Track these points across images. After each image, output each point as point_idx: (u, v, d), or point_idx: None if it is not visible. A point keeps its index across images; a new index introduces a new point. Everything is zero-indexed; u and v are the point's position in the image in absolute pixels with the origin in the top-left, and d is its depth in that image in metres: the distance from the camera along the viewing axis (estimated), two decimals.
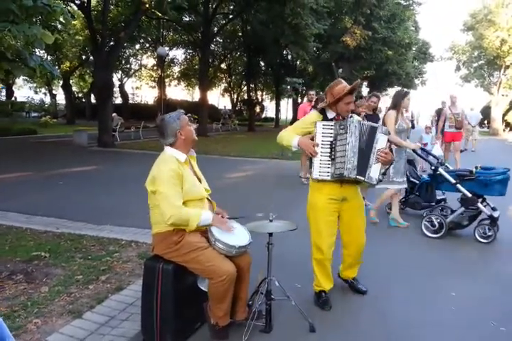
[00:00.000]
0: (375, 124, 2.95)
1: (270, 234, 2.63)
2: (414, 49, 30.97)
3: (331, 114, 3.04)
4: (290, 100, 32.36)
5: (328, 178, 2.89)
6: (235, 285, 2.48)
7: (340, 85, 2.97)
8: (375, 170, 2.87)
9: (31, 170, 8.79)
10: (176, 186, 2.40)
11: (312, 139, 2.92)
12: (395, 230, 5.13)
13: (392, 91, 42.94)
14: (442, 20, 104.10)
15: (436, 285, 3.47)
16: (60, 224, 4.91)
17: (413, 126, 12.21)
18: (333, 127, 2.88)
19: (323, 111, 3.07)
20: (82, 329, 2.63)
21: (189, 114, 2.65)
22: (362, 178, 2.84)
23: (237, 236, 2.53)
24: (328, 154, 2.87)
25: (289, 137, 2.98)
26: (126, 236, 4.46)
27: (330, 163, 2.87)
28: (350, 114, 3.05)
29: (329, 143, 2.87)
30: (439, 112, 11.42)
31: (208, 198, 2.69)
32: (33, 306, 2.87)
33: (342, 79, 3.11)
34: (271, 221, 2.65)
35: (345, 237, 3.15)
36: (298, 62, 29.23)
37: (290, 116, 28.55)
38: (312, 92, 8.98)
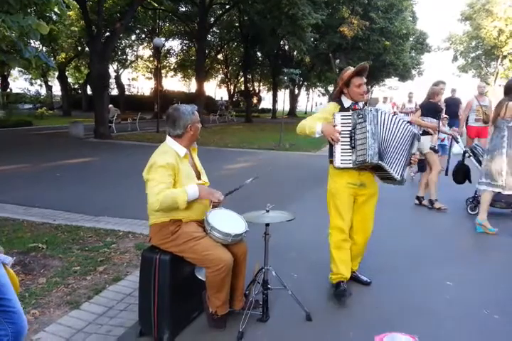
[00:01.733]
0: (405, 118, 3.04)
1: (267, 225, 2.64)
2: (411, 39, 30.79)
3: (347, 103, 3.09)
4: (287, 91, 32.23)
5: (350, 166, 2.94)
6: (232, 275, 2.49)
7: (348, 71, 3.08)
8: (406, 171, 3.03)
9: (28, 162, 8.76)
10: (165, 176, 2.35)
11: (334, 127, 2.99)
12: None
13: (389, 81, 42.88)
14: (440, 10, 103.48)
15: (431, 274, 3.50)
16: (57, 215, 4.92)
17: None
18: (351, 117, 2.93)
19: (339, 101, 3.12)
20: (80, 320, 2.65)
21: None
22: (384, 163, 2.88)
23: (234, 224, 2.53)
24: (349, 143, 2.93)
25: (312, 124, 3.00)
26: (124, 228, 4.47)
27: (351, 151, 2.92)
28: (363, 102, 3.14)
29: (348, 132, 2.93)
30: (451, 102, 10.59)
31: None
32: (30, 297, 2.88)
33: (351, 67, 3.20)
34: (268, 211, 2.66)
35: (355, 222, 3.18)
36: (295, 53, 29.05)
37: (287, 107, 28.46)
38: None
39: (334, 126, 2.96)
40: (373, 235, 3.29)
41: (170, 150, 2.48)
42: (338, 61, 25.38)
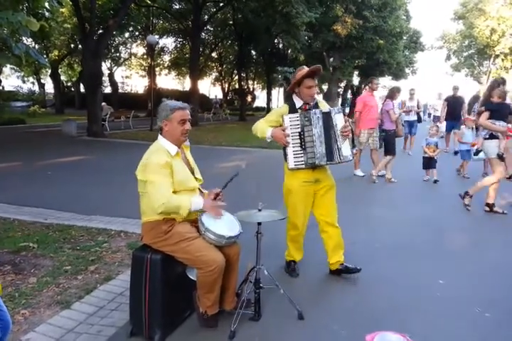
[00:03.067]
0: (326, 110, 3.11)
1: (259, 223, 2.63)
2: (405, 38, 30.84)
3: (298, 103, 3.21)
4: (281, 89, 32.23)
5: (303, 167, 3.12)
6: (224, 275, 2.48)
7: (301, 70, 3.17)
8: (346, 148, 3.10)
9: (20, 161, 8.69)
10: (165, 176, 2.37)
11: (284, 131, 3.13)
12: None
13: (383, 80, 42.96)
14: (433, 9, 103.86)
15: (424, 272, 3.52)
16: (48, 214, 4.88)
17: (419, 120, 11.31)
18: (299, 118, 3.07)
19: (291, 101, 3.25)
20: (70, 320, 2.63)
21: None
22: (333, 162, 3.09)
23: (227, 226, 2.52)
24: (299, 144, 3.10)
25: (263, 129, 3.19)
26: (116, 227, 4.44)
27: (302, 152, 3.10)
28: (315, 101, 3.22)
29: (298, 134, 3.09)
30: (453, 101, 10.22)
31: (199, 188, 2.67)
32: (20, 297, 2.85)
33: (305, 66, 3.29)
34: (260, 210, 2.65)
35: (321, 215, 3.31)
36: (289, 51, 29.00)
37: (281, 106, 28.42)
38: (376, 81, 8.14)
39: (284, 128, 3.10)
40: (379, 232, 3.30)
41: (161, 149, 2.47)
42: (331, 59, 25.42)
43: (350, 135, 3.14)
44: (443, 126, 11.56)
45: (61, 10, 22.79)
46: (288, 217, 3.28)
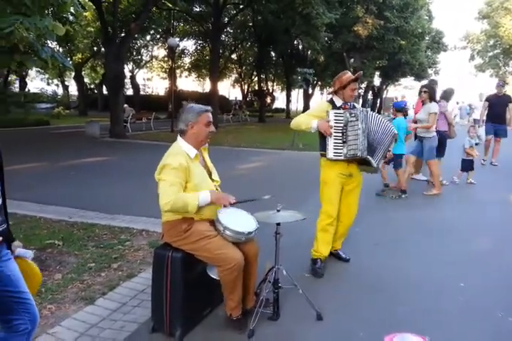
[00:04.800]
0: (379, 115, 3.50)
1: (278, 224, 2.66)
2: (427, 38, 30.42)
3: (338, 102, 3.50)
4: (301, 91, 32.16)
5: (342, 158, 3.36)
6: (243, 275, 2.51)
7: (347, 74, 3.49)
8: (380, 157, 3.46)
9: (45, 161, 8.94)
10: (176, 177, 2.40)
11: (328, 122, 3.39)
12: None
13: (405, 81, 42.41)
14: (456, 8, 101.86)
15: (445, 275, 3.48)
16: (72, 213, 5.01)
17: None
18: (343, 115, 3.32)
19: (331, 101, 3.54)
20: (94, 315, 2.71)
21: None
22: (370, 158, 3.34)
23: (244, 222, 2.55)
24: (340, 138, 3.34)
25: (308, 120, 3.45)
26: (137, 226, 4.54)
27: (342, 145, 3.33)
28: (352, 103, 3.53)
29: (341, 128, 3.33)
30: (496, 101, 8.83)
31: (217, 189, 2.71)
32: (46, 293, 2.95)
33: (348, 71, 3.64)
34: (278, 211, 2.68)
35: (343, 207, 3.61)
36: (309, 53, 28.93)
37: (301, 107, 28.35)
38: (434, 82, 7.68)
39: (328, 121, 3.34)
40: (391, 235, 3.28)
41: (181, 152, 2.50)
42: (352, 60, 25.24)
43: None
44: (481, 130, 10.05)
45: (84, 14, 23.34)
46: (322, 208, 3.55)
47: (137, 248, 3.88)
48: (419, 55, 28.16)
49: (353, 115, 3.28)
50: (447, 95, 7.22)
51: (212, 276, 2.55)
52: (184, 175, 2.43)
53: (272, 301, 2.71)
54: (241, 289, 2.54)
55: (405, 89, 45.99)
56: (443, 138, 6.97)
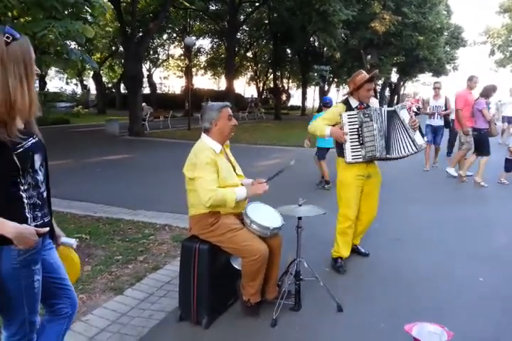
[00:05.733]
0: (390, 108, 3.34)
1: (299, 218, 2.75)
2: (445, 34, 29.97)
3: (354, 103, 3.44)
4: (317, 88, 32.04)
5: (361, 160, 3.32)
6: (267, 266, 2.61)
7: (361, 75, 3.42)
8: (418, 138, 3.31)
9: (68, 158, 9.19)
10: (211, 173, 2.52)
11: (341, 129, 3.34)
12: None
13: (423, 77, 41.86)
14: (476, 3, 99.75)
15: (464, 269, 3.51)
16: (97, 208, 5.19)
17: (447, 124, 8.44)
18: (357, 116, 3.28)
19: (347, 101, 3.48)
20: (123, 305, 2.84)
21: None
22: (390, 156, 3.30)
23: (271, 218, 2.66)
24: (357, 140, 3.30)
25: (322, 127, 3.43)
26: (160, 221, 4.67)
27: (360, 147, 3.30)
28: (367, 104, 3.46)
29: (356, 130, 3.29)
30: None
31: (242, 184, 2.81)
32: (77, 283, 3.08)
33: (362, 70, 3.55)
34: (300, 205, 2.76)
35: (362, 208, 3.58)
36: (325, 49, 28.81)
37: (317, 104, 28.29)
38: (476, 79, 7.24)
39: (342, 126, 3.31)
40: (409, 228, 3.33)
41: (207, 147, 2.61)
42: (369, 57, 25.04)
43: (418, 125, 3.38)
44: None
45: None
46: (340, 210, 3.53)
47: (161, 242, 4.02)
48: (438, 50, 27.76)
49: (367, 115, 3.24)
50: (487, 92, 6.96)
51: (236, 266, 2.66)
52: (216, 169, 2.54)
53: (294, 293, 2.79)
54: (262, 278, 2.64)
55: (423, 86, 45.42)
56: (483, 136, 6.86)
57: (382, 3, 22.47)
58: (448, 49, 33.01)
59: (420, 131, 3.34)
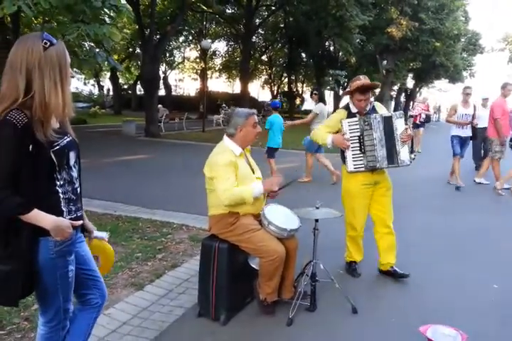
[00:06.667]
0: (387, 114, 3.20)
1: (316, 220, 2.81)
2: (463, 40, 29.67)
3: (354, 109, 3.32)
4: (332, 92, 32.01)
5: (363, 169, 3.23)
6: (283, 267, 2.68)
7: (355, 82, 3.27)
8: (404, 153, 3.18)
9: (86, 158, 9.33)
10: (229, 173, 2.60)
11: (343, 136, 3.24)
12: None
13: (439, 83, 41.44)
14: (495, 9, 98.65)
15: (479, 276, 3.54)
16: (116, 207, 5.31)
17: (475, 136, 7.28)
18: (358, 123, 3.19)
19: (347, 107, 3.38)
20: (144, 300, 2.94)
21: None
22: (393, 166, 3.18)
23: (288, 220, 2.73)
24: (358, 148, 3.21)
25: (323, 136, 3.34)
26: (177, 220, 4.77)
27: (362, 156, 3.20)
28: (372, 105, 3.33)
29: (357, 137, 3.20)
30: None
31: None
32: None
33: (362, 76, 3.34)
34: (317, 208, 2.83)
35: (378, 210, 3.40)
36: (340, 54, 28.80)
37: (331, 109, 28.23)
38: (511, 87, 6.86)
39: (343, 133, 3.21)
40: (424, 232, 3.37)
41: (227, 150, 2.71)
42: (385, 62, 24.95)
43: (409, 141, 3.26)
44: None
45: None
46: (346, 218, 3.44)
47: (179, 241, 4.11)
48: (454, 57, 27.52)
49: (367, 123, 3.13)
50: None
51: (253, 266, 2.73)
52: (234, 170, 2.63)
53: (310, 293, 2.86)
54: (279, 278, 2.72)
55: (439, 92, 44.98)
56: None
57: (399, 8, 22.39)
58: (465, 55, 32.69)
59: (409, 148, 3.26)
